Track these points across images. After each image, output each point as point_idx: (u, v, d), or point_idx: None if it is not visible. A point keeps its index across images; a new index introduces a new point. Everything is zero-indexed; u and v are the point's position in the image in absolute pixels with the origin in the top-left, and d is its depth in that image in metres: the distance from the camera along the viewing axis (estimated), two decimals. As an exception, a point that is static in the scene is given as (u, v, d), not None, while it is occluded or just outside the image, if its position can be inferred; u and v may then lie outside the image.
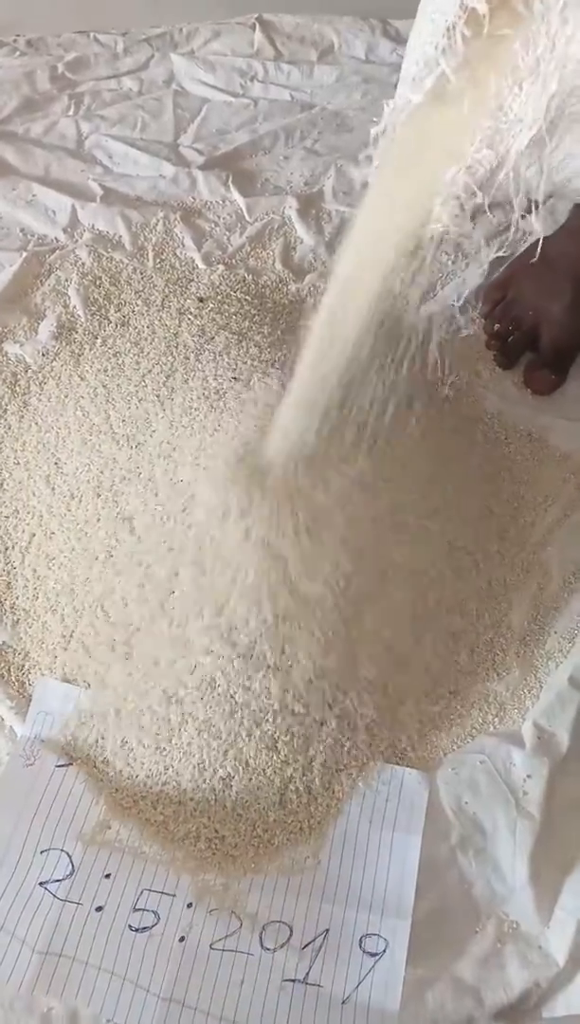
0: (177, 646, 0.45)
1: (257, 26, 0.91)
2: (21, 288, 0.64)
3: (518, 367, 0.64)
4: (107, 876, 0.41)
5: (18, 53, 0.86)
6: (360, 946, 0.40)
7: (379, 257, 0.36)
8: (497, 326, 0.64)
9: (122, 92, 0.84)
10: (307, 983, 0.39)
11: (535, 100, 0.29)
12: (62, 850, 0.41)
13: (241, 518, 0.45)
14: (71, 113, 0.80)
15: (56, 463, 0.54)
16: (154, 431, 0.52)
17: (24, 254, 0.66)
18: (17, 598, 0.50)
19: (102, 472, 0.52)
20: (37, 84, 0.83)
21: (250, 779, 0.43)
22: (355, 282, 0.38)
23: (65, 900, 0.40)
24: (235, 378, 0.52)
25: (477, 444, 0.58)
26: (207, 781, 0.43)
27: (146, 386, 0.55)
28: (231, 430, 0.49)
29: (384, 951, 0.40)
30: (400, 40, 0.93)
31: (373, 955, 0.40)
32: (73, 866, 0.41)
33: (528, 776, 0.45)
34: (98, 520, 0.50)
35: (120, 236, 0.69)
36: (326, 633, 0.45)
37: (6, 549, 0.51)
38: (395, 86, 0.88)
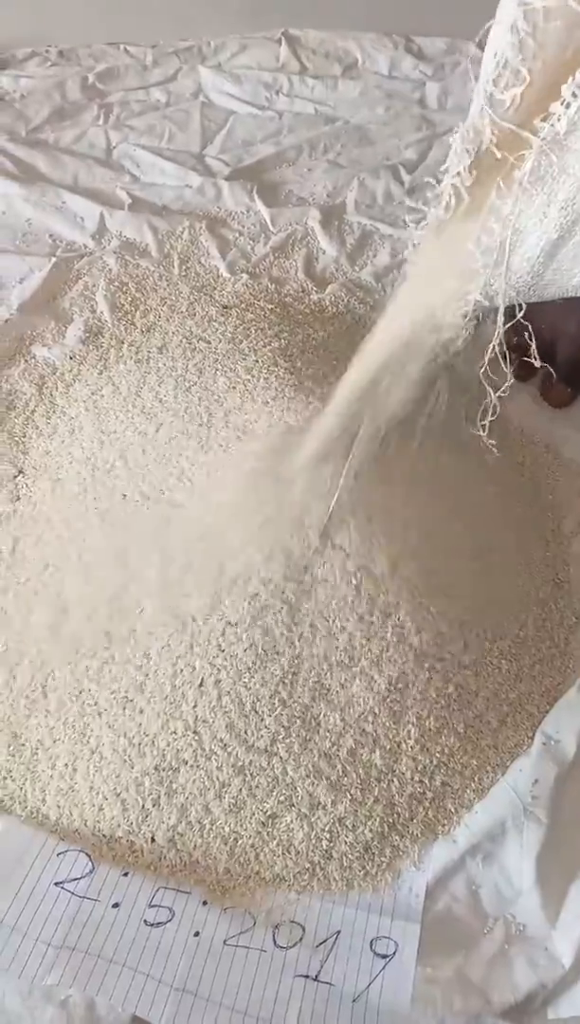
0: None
1: (283, 41, 0.93)
2: (50, 293, 0.66)
3: (534, 380, 0.65)
4: (125, 874, 0.42)
5: (50, 63, 0.88)
6: (371, 948, 0.41)
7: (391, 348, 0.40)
8: (516, 339, 0.65)
9: (150, 103, 0.86)
10: (319, 981, 0.40)
11: (543, 209, 0.32)
12: (81, 851, 0.42)
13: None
14: (100, 122, 0.82)
15: (81, 464, 0.55)
16: (173, 438, 0.53)
17: (53, 259, 0.68)
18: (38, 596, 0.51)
19: (124, 476, 0.53)
20: (68, 94, 0.85)
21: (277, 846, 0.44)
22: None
23: (83, 897, 0.41)
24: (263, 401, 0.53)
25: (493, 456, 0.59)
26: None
27: (169, 391, 0.56)
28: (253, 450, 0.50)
29: (394, 953, 0.41)
30: (422, 57, 0.95)
31: (383, 957, 0.41)
32: (92, 864, 0.42)
33: (536, 781, 0.45)
34: (119, 526, 0.51)
35: (147, 244, 0.71)
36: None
37: (24, 549, 0.52)
38: (417, 103, 0.90)
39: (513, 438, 0.61)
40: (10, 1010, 0.38)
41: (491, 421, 0.40)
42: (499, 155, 0.32)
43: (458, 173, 0.33)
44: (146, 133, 0.82)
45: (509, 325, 0.36)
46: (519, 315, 0.36)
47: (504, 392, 0.38)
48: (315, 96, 0.89)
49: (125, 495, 0.52)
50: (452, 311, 0.36)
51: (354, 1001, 0.39)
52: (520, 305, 0.36)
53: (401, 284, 0.41)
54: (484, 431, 0.39)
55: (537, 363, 0.39)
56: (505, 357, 0.37)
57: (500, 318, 0.35)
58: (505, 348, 0.37)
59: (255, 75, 0.90)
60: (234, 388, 0.54)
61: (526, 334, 0.37)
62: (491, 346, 0.36)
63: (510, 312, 0.36)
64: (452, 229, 0.35)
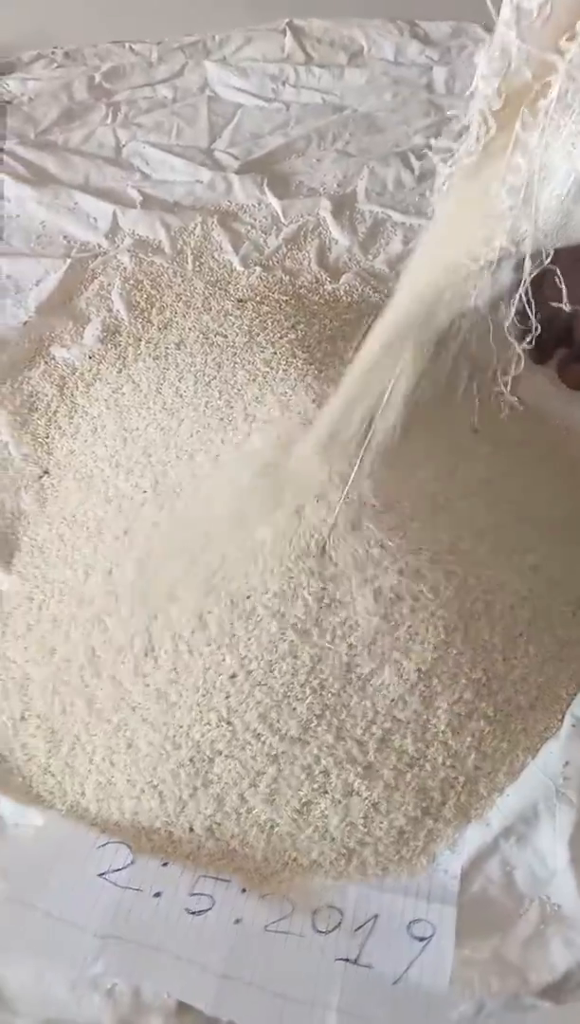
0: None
1: (287, 31, 0.93)
2: (66, 293, 0.67)
3: (551, 363, 0.65)
4: (165, 864, 0.43)
5: (56, 65, 0.88)
6: (408, 931, 0.41)
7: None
8: (527, 323, 0.65)
9: (158, 100, 0.86)
10: (359, 964, 0.40)
11: (571, 141, 0.30)
12: (121, 842, 0.43)
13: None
14: (109, 121, 0.83)
15: (105, 462, 0.55)
16: (195, 432, 0.54)
17: (68, 260, 0.68)
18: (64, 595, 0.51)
19: (148, 471, 0.54)
20: (75, 94, 0.85)
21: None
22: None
23: (125, 887, 0.41)
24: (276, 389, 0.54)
25: (512, 439, 0.59)
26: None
27: (188, 387, 0.57)
28: (267, 438, 0.50)
29: (432, 936, 0.41)
30: (428, 42, 0.94)
31: (421, 940, 0.41)
32: (133, 855, 0.43)
33: (567, 763, 0.46)
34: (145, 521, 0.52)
35: (160, 241, 0.71)
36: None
37: (52, 548, 0.53)
38: (425, 88, 0.89)
39: (531, 420, 0.61)
40: (58, 1000, 0.39)
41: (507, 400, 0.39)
42: (530, 75, 0.29)
43: (486, 97, 0.31)
44: (154, 130, 0.82)
45: (537, 270, 0.34)
46: (546, 261, 0.33)
47: (529, 343, 0.37)
48: (322, 86, 0.89)
49: (145, 491, 0.53)
50: (477, 260, 0.34)
51: (394, 984, 0.40)
52: (548, 253, 0.34)
53: (427, 232, 0.39)
54: (507, 386, 0.38)
55: (567, 308, 0.36)
56: (531, 305, 0.35)
57: (527, 262, 0.33)
58: (531, 296, 0.35)
59: (261, 67, 0.90)
60: (253, 380, 0.55)
61: (557, 278, 0.35)
62: (518, 294, 0.35)
63: (537, 261, 0.34)
64: (480, 170, 0.33)
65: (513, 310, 0.36)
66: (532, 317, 0.35)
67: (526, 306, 0.35)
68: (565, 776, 0.45)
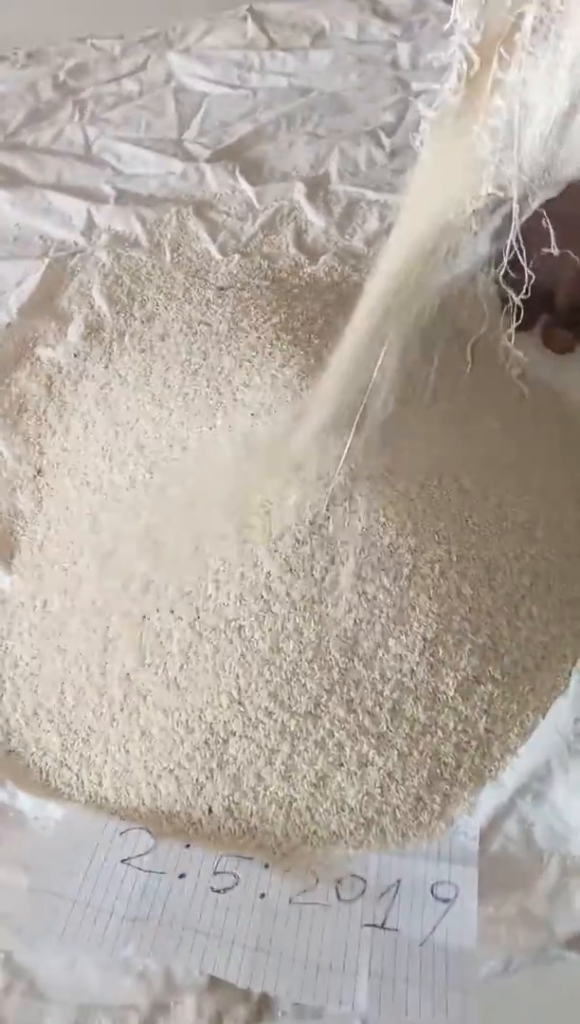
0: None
1: (248, 17, 0.93)
2: (47, 294, 0.66)
3: (535, 330, 0.65)
4: (187, 846, 0.43)
5: (19, 65, 0.88)
6: (432, 893, 0.42)
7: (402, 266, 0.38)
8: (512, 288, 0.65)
9: (124, 94, 0.86)
10: (386, 928, 0.41)
11: (550, 74, 0.29)
12: (142, 828, 0.43)
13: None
14: (76, 119, 0.82)
15: (98, 457, 0.56)
16: (185, 421, 0.54)
17: (46, 260, 0.68)
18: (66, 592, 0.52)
19: (142, 463, 0.54)
20: (41, 94, 0.85)
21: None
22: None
23: (149, 871, 0.42)
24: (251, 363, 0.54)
25: (501, 402, 0.59)
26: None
27: (176, 377, 0.57)
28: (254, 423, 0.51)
29: (455, 897, 0.42)
30: (390, 18, 0.94)
31: (445, 901, 0.42)
32: (154, 840, 0.43)
33: (577, 719, 0.46)
34: (142, 511, 0.52)
35: (136, 235, 0.71)
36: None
37: (51, 545, 0.53)
38: (390, 65, 0.89)
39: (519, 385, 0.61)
40: (90, 985, 0.39)
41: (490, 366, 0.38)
42: (508, 2, 0.28)
43: (465, 31, 0.30)
44: (123, 125, 0.82)
45: (526, 216, 0.33)
46: (534, 205, 0.32)
47: (526, 294, 0.36)
48: (286, 69, 0.89)
49: (140, 483, 0.53)
50: (463, 208, 0.34)
51: (421, 945, 0.40)
52: (534, 196, 0.33)
53: (412, 181, 0.37)
54: (511, 340, 0.38)
55: (556, 252, 0.36)
56: (522, 250, 0.34)
57: (515, 207, 0.32)
58: (522, 243, 0.34)
59: (224, 55, 0.90)
60: (240, 366, 0.55)
61: (544, 221, 0.35)
62: (508, 242, 0.34)
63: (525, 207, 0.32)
64: (462, 111, 0.32)
65: (506, 260, 0.35)
66: (525, 266, 0.34)
67: (518, 254, 0.34)
68: (576, 732, 0.46)
